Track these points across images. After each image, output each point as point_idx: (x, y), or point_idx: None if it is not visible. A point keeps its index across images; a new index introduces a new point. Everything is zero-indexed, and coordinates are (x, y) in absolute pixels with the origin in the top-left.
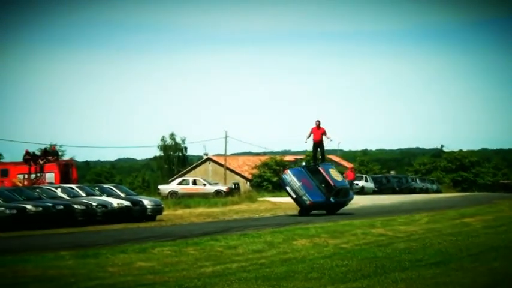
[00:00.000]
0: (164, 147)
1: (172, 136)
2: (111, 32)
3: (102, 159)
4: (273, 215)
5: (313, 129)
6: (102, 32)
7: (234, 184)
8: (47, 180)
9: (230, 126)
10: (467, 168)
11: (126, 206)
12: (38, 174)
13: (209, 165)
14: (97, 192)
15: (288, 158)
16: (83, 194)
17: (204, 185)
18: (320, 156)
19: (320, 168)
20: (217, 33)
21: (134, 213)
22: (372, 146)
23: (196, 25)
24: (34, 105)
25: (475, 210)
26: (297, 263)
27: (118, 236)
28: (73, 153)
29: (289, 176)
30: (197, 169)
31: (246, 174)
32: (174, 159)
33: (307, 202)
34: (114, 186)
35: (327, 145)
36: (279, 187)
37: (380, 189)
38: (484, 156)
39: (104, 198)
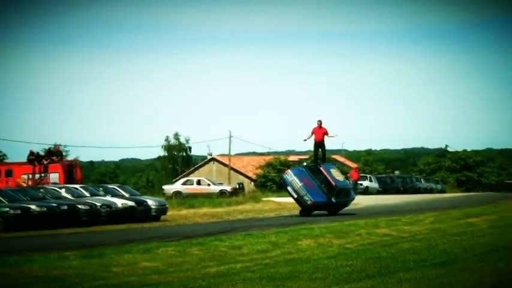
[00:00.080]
0: (168, 147)
1: (176, 136)
2: (111, 32)
3: (106, 159)
4: (277, 215)
5: (314, 129)
6: (103, 32)
7: (238, 184)
8: (51, 181)
9: (234, 126)
10: (472, 168)
11: (131, 206)
12: (42, 175)
13: (213, 165)
14: (101, 193)
15: (292, 158)
16: (87, 194)
17: (209, 185)
18: (321, 156)
19: (321, 168)
20: (217, 33)
21: (138, 213)
22: (376, 146)
23: (196, 25)
24: (38, 106)
25: (479, 210)
26: (302, 263)
27: (122, 236)
28: (77, 153)
29: (290, 176)
30: (201, 169)
31: (250, 174)
32: (178, 159)
33: (309, 202)
34: (118, 187)
35: (331, 145)
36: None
37: (384, 189)
38: (488, 156)
39: (108, 198)
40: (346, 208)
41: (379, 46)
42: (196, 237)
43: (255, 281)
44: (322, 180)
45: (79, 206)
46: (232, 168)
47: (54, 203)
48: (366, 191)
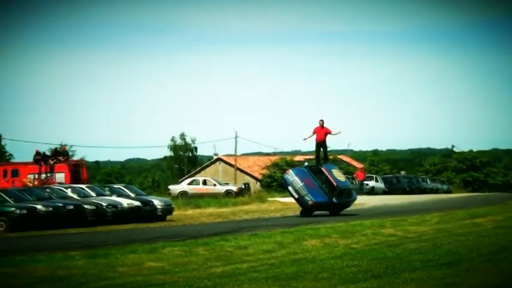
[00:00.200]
0: (174, 148)
1: (182, 136)
2: (116, 32)
3: (112, 159)
4: (283, 215)
5: (316, 128)
6: (108, 32)
7: (244, 184)
8: (57, 180)
9: (240, 127)
10: (478, 168)
11: (136, 206)
12: (48, 174)
13: (219, 166)
14: (107, 192)
15: (298, 158)
16: (93, 194)
17: (214, 185)
18: (323, 156)
19: (323, 169)
20: (221, 33)
21: (144, 213)
22: (382, 146)
23: (202, 25)
24: (45, 106)
25: (485, 210)
26: (307, 263)
27: (128, 236)
28: (83, 153)
29: (291, 176)
30: (207, 169)
31: (256, 175)
32: (184, 159)
33: (310, 202)
34: (124, 186)
35: (337, 145)
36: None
37: (390, 190)
38: (494, 156)
39: (114, 198)
40: (350, 208)
41: (379, 46)
42: (202, 237)
43: (260, 281)
44: (323, 180)
45: (85, 206)
46: (238, 169)
47: (60, 203)
48: (372, 191)
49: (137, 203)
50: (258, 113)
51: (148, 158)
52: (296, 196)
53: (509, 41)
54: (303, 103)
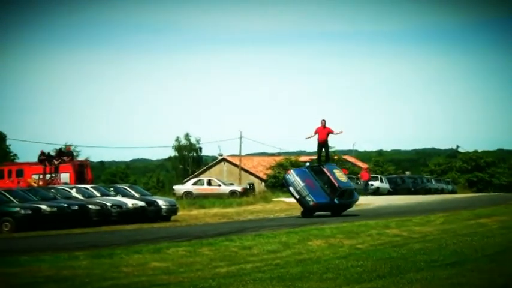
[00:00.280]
0: (179, 148)
1: (187, 136)
2: (113, 32)
3: (116, 159)
4: (287, 216)
5: (318, 128)
6: (105, 31)
7: (249, 184)
8: (62, 181)
9: (245, 127)
10: (483, 168)
11: (141, 206)
12: (53, 175)
13: (224, 166)
14: (112, 193)
15: (302, 158)
16: (98, 194)
17: (219, 185)
18: (324, 157)
19: (324, 169)
20: (218, 33)
21: (149, 213)
22: (387, 147)
23: (203, 25)
24: (49, 106)
25: (490, 210)
26: (312, 263)
27: (132, 236)
28: (88, 153)
29: (292, 176)
30: (212, 169)
31: (260, 175)
32: (189, 159)
33: (311, 203)
34: (128, 187)
35: (342, 145)
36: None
37: (395, 190)
38: (499, 156)
39: (119, 198)
40: (353, 209)
41: (379, 46)
42: (206, 237)
43: (265, 282)
44: (325, 181)
45: (89, 206)
46: (242, 169)
47: (65, 203)
48: (377, 192)
49: (142, 203)
50: (263, 113)
51: (153, 158)
52: (297, 197)
53: (509, 41)
54: (304, 103)
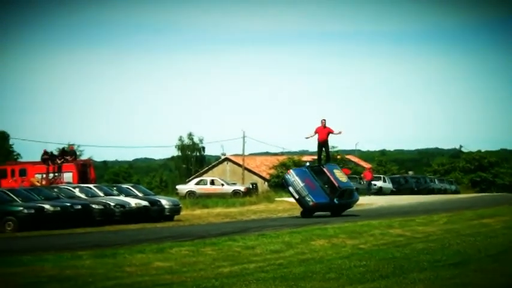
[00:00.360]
0: (182, 147)
1: (190, 136)
2: (113, 32)
3: (120, 159)
4: (290, 215)
5: (318, 128)
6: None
7: (252, 184)
8: (65, 180)
9: (248, 127)
10: (486, 168)
11: (144, 206)
12: (56, 174)
13: (227, 165)
14: (115, 192)
15: (305, 158)
16: (101, 194)
17: (222, 185)
18: (325, 156)
19: (324, 169)
20: (218, 33)
21: (152, 213)
22: (390, 147)
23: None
24: (53, 106)
25: (493, 210)
26: (315, 263)
27: (136, 235)
28: (91, 153)
29: (292, 176)
30: (215, 169)
31: (263, 175)
32: (192, 159)
33: (310, 203)
34: (132, 186)
35: (345, 145)
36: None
37: (398, 190)
38: (503, 156)
39: (122, 198)
40: (354, 208)
41: (379, 46)
42: (209, 237)
43: (268, 281)
44: (325, 181)
45: (93, 206)
46: (246, 168)
47: (68, 203)
48: (380, 192)
49: (145, 203)
50: (265, 113)
51: (156, 158)
52: (297, 197)
53: (509, 41)
54: (304, 103)
